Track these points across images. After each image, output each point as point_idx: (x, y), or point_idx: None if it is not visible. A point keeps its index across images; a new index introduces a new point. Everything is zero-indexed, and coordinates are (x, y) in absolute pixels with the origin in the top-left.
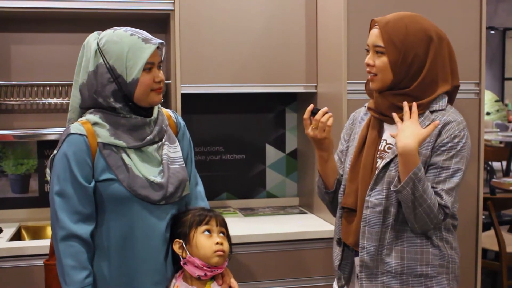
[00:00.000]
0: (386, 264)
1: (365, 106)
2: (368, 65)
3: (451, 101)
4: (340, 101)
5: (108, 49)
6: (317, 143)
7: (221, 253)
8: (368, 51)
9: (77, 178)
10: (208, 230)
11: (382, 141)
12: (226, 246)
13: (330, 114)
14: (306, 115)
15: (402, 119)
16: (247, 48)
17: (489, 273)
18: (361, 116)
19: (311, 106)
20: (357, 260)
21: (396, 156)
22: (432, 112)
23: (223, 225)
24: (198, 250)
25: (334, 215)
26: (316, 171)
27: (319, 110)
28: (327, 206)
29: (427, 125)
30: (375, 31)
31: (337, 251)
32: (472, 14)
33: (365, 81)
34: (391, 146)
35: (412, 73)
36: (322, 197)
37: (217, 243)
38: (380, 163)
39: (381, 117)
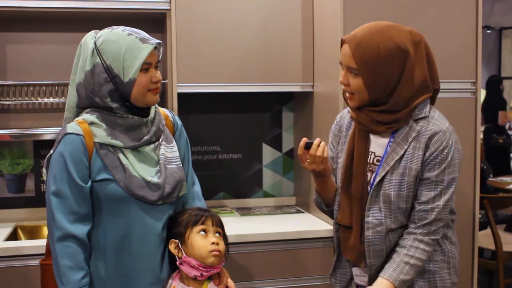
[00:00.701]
0: None
1: (349, 112)
2: (343, 83)
3: (432, 103)
4: (337, 100)
5: (105, 48)
6: (315, 173)
7: (217, 253)
8: (342, 64)
9: (73, 178)
10: (204, 230)
11: (370, 153)
12: (222, 246)
13: (323, 144)
14: (300, 151)
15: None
16: (244, 48)
17: (485, 272)
18: (346, 123)
19: (303, 141)
20: (355, 270)
21: (387, 173)
22: (416, 120)
23: (219, 225)
24: (193, 250)
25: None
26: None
27: (312, 143)
28: (325, 214)
29: (414, 137)
30: (347, 50)
31: (334, 259)
32: (468, 13)
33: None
34: (380, 158)
35: (389, 90)
36: (322, 210)
37: (213, 243)
38: (370, 177)
39: (365, 129)
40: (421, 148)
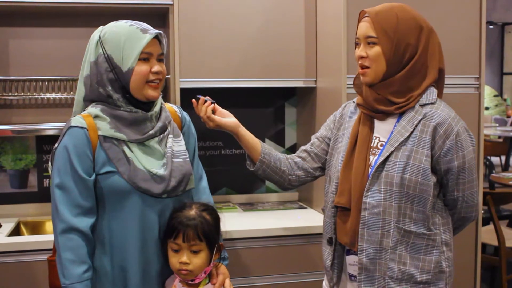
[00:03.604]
0: (389, 269)
1: (354, 102)
2: (361, 57)
3: (439, 90)
4: (340, 96)
5: (107, 39)
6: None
7: (184, 272)
8: (357, 44)
9: (77, 171)
10: (175, 249)
11: (374, 138)
12: (194, 264)
13: (206, 105)
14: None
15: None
16: (247, 43)
17: (488, 268)
18: (350, 111)
19: (199, 97)
20: (349, 259)
21: (390, 154)
22: (422, 105)
23: (195, 238)
24: (169, 262)
25: (283, 186)
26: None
27: (199, 99)
28: (277, 183)
29: (420, 120)
30: (365, 22)
31: (328, 251)
32: (472, 9)
33: (355, 76)
34: (383, 142)
35: (404, 62)
36: (265, 175)
37: (181, 262)
38: (372, 160)
39: (371, 114)
40: (429, 132)
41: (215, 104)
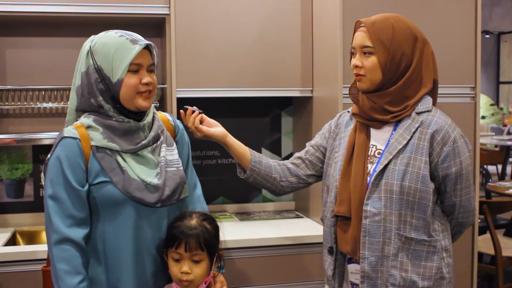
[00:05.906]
0: (391, 276)
1: (349, 111)
2: (356, 66)
3: (433, 100)
4: (336, 105)
5: (97, 50)
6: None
7: (186, 283)
8: (353, 54)
9: (70, 182)
10: (176, 258)
11: (371, 146)
12: (195, 274)
13: (194, 115)
14: (182, 116)
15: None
16: (243, 52)
17: (485, 277)
18: (346, 121)
19: (187, 108)
20: (351, 267)
21: (389, 162)
22: (418, 113)
23: (197, 247)
24: (170, 271)
25: (276, 193)
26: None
27: (187, 109)
28: (269, 190)
29: (417, 128)
30: (361, 32)
31: (329, 261)
32: (467, 18)
33: (350, 85)
34: (381, 151)
35: (400, 72)
36: (256, 182)
37: (182, 272)
38: (370, 168)
39: (367, 122)
40: (426, 139)
41: (203, 114)
